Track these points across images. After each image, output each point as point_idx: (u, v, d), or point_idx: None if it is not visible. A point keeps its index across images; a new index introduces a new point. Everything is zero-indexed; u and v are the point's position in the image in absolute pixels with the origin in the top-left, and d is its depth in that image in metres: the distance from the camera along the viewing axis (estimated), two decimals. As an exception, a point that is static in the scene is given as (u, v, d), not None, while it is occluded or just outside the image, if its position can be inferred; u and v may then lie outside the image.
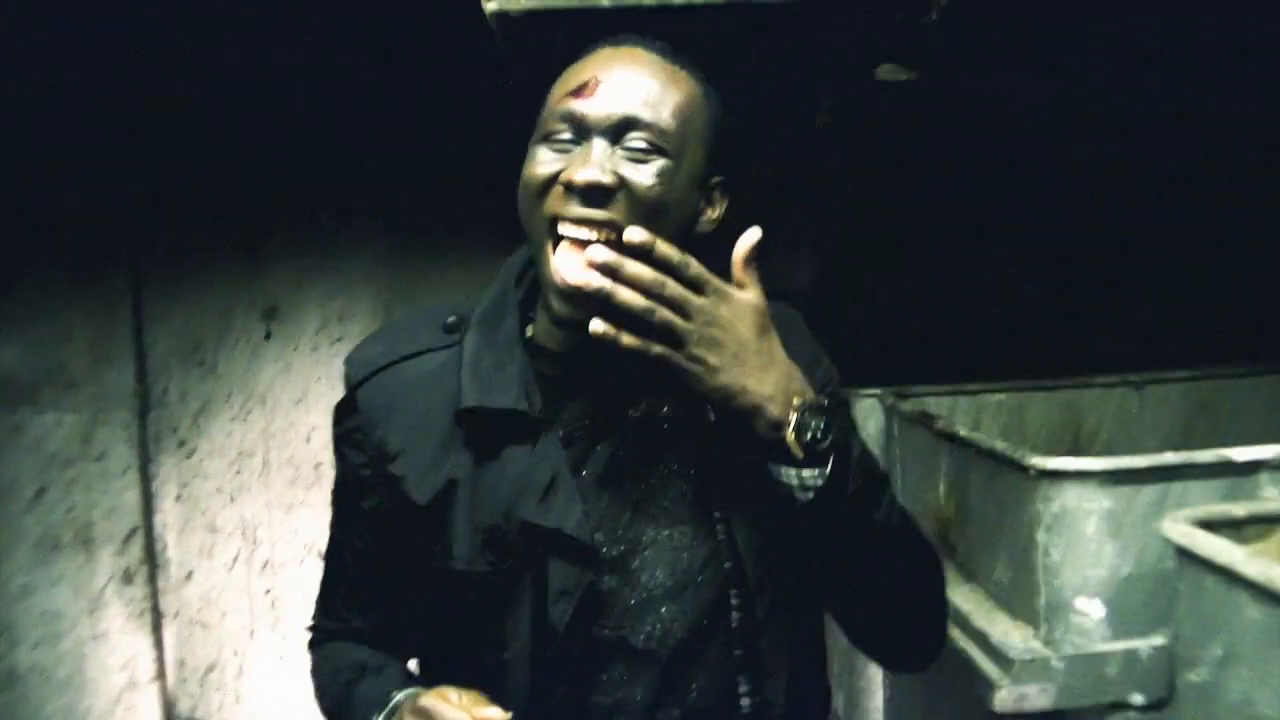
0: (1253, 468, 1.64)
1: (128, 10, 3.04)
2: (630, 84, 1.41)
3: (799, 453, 1.30)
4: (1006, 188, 3.17)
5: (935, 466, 2.13)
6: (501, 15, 1.99)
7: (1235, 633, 1.16)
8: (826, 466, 1.30)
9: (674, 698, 1.45)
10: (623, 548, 1.47)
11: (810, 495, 1.31)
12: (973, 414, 2.51)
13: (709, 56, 2.19)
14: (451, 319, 1.57)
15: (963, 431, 1.99)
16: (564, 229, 1.38)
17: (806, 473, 1.31)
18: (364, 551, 1.59)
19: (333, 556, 1.66)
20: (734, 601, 1.46)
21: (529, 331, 1.56)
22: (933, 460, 2.14)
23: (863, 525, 1.36)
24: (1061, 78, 2.68)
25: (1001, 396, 2.59)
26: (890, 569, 1.43)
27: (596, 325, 1.24)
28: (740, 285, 1.32)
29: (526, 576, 1.44)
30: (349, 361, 1.58)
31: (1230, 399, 2.65)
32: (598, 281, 1.24)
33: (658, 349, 1.26)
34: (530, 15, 1.99)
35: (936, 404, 2.43)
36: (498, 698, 1.38)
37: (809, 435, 1.30)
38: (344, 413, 1.57)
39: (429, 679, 1.52)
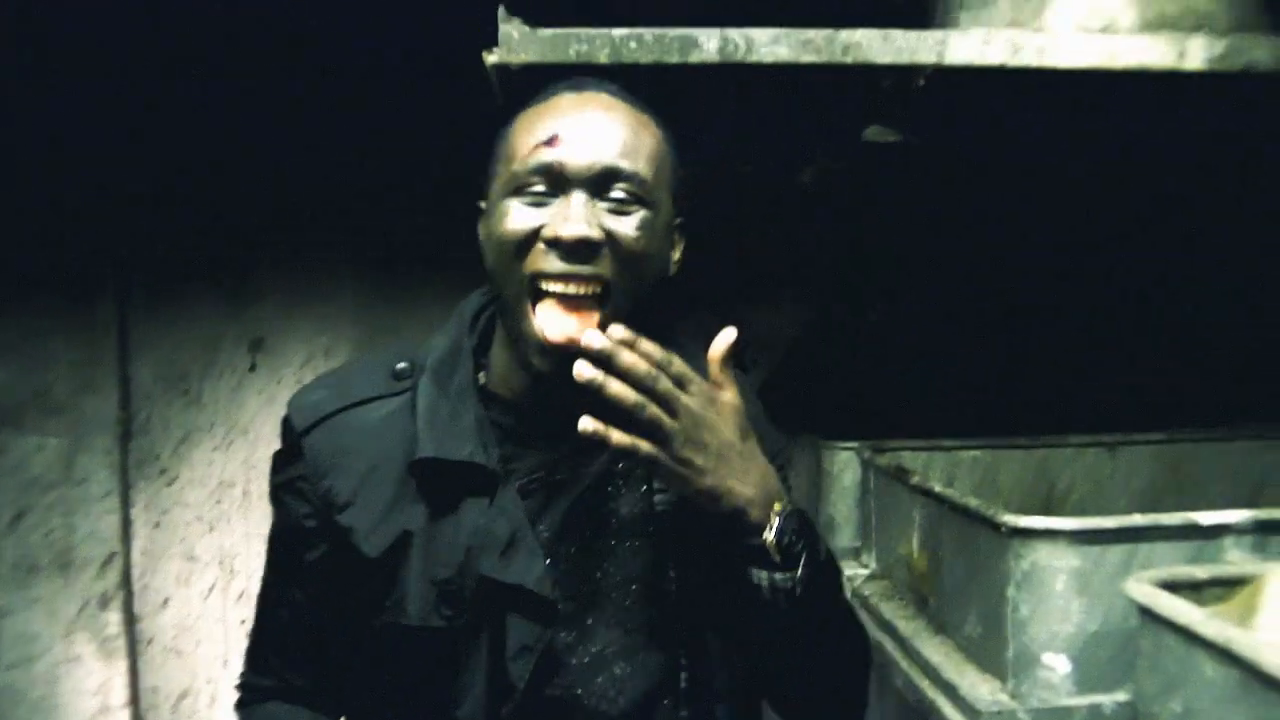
0: (1218, 531, 1.68)
1: (114, 46, 3.08)
2: (607, 133, 1.40)
3: (776, 557, 1.32)
4: (989, 248, 3.22)
5: (909, 520, 2.16)
6: (502, 68, 2.04)
7: (1194, 690, 1.20)
8: (798, 571, 1.33)
9: None
10: (577, 604, 1.45)
11: (779, 596, 1.33)
12: (947, 469, 2.54)
13: (700, 114, 2.26)
14: (401, 365, 1.54)
15: (937, 487, 2.03)
16: (549, 286, 1.37)
17: (779, 576, 1.33)
18: (304, 605, 1.54)
19: (267, 610, 1.62)
20: (683, 662, 1.46)
21: (482, 378, 1.55)
22: (907, 514, 2.18)
23: (816, 617, 1.39)
24: (1038, 143, 2.73)
25: (976, 453, 2.62)
26: (827, 651, 1.46)
27: (586, 424, 1.24)
28: (718, 385, 1.33)
29: (483, 632, 1.42)
30: (294, 408, 1.54)
31: (1199, 463, 2.69)
32: (589, 373, 1.24)
33: (646, 448, 1.26)
34: (529, 69, 2.03)
35: (912, 458, 2.46)
36: None
37: (786, 540, 1.32)
38: (286, 461, 1.54)
39: None
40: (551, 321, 1.37)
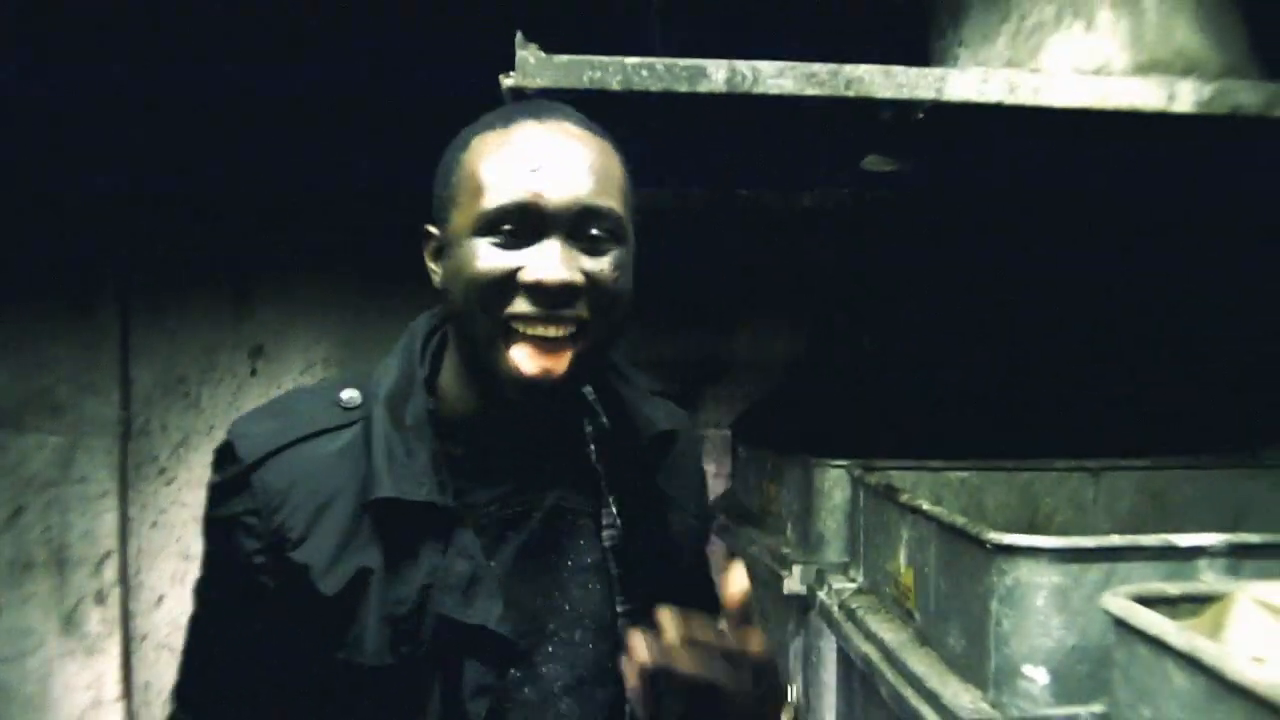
0: (1193, 553, 1.74)
1: (124, 52, 3.14)
2: (580, 171, 1.36)
3: None
4: (984, 275, 3.30)
5: (897, 536, 2.22)
6: (517, 91, 2.10)
7: (1164, 698, 1.27)
8: None
9: None
10: (527, 641, 1.44)
11: None
12: (935, 490, 2.59)
13: (706, 141, 2.33)
14: (348, 394, 1.48)
15: (925, 505, 2.09)
16: (526, 329, 1.34)
17: None
18: (242, 643, 1.44)
19: (201, 649, 1.51)
20: (630, 698, 1.42)
21: (432, 405, 1.48)
22: (895, 530, 2.24)
23: None
24: (1030, 175, 2.80)
25: (964, 475, 2.67)
26: None
27: None
28: (744, 645, 1.27)
29: (438, 671, 1.39)
30: (238, 438, 1.43)
31: (1180, 490, 2.75)
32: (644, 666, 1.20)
33: None
34: (543, 93, 2.10)
35: (901, 478, 2.51)
36: None
37: None
38: (230, 493, 1.42)
39: None
40: (527, 361, 1.34)
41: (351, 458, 1.42)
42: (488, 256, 1.34)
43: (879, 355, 3.38)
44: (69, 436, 3.51)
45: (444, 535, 1.41)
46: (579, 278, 1.33)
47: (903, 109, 2.22)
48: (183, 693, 1.52)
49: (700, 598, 1.61)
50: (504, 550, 1.45)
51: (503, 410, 1.42)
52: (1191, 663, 1.19)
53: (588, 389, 1.57)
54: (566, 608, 1.47)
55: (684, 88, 2.13)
